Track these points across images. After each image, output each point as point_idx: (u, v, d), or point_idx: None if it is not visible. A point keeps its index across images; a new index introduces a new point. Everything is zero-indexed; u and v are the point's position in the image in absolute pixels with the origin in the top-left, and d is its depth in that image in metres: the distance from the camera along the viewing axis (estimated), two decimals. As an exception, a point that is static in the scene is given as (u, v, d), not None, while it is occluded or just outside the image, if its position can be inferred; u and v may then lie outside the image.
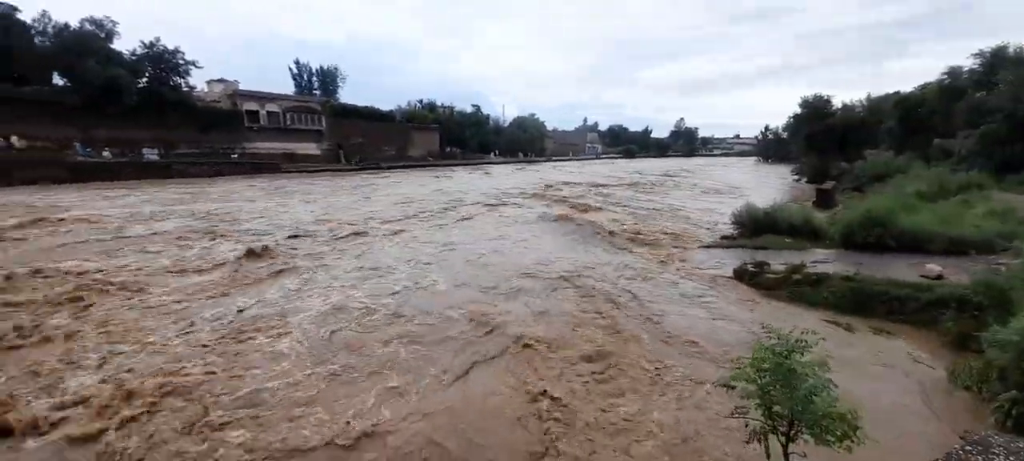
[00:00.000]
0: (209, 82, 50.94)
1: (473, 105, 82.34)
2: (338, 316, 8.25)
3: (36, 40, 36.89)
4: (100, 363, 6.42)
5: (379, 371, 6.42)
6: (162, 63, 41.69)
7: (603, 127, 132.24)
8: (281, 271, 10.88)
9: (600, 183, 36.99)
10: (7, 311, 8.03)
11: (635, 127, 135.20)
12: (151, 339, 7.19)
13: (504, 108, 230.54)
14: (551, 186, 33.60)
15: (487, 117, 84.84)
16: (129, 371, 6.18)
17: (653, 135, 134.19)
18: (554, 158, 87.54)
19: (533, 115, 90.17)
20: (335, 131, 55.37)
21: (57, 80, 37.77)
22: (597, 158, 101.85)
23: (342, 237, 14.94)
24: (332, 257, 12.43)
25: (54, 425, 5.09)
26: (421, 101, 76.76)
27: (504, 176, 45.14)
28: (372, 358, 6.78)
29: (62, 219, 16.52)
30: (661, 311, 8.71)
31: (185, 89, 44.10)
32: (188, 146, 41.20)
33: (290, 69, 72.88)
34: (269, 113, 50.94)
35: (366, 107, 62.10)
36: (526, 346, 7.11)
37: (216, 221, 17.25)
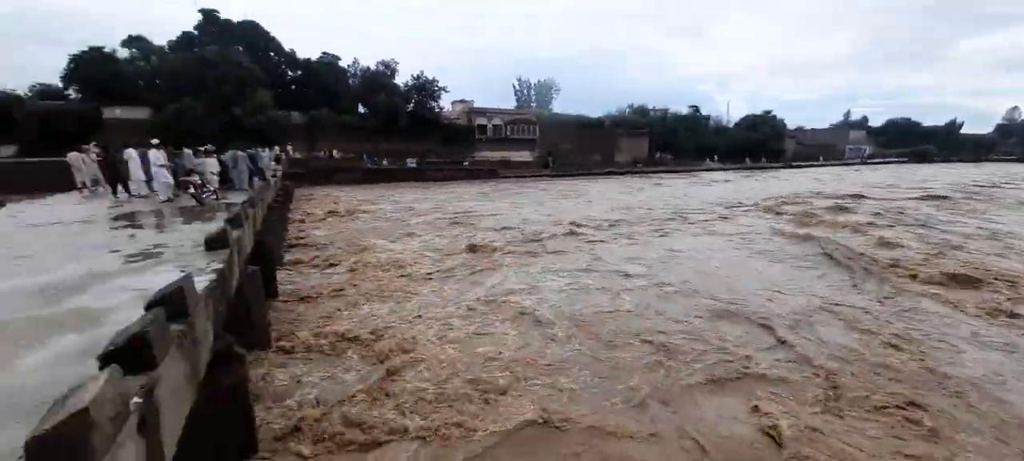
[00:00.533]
0: (453, 103, 62.56)
1: (690, 106, 75.02)
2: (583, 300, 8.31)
3: (350, 80, 52.99)
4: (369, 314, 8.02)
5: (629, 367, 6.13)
6: (423, 91, 53.60)
7: (878, 121, 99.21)
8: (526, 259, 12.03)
9: (859, 195, 27.22)
10: (314, 271, 10.94)
11: (933, 120, 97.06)
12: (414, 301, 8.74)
13: (729, 106, 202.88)
14: (783, 200, 26.63)
15: (707, 118, 75.86)
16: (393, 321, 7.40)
17: (965, 130, 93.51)
18: (797, 163, 71.02)
19: (769, 112, 75.19)
20: (546, 139, 59.66)
21: (360, 109, 53.02)
22: (862, 162, 77.48)
23: (567, 235, 15.42)
24: (572, 250, 13.11)
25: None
26: (631, 106, 74.81)
27: (705, 187, 38.73)
28: (623, 357, 6.51)
29: (351, 210, 22.53)
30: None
31: (437, 110, 55.78)
32: (435, 156, 51.58)
33: (513, 85, 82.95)
34: (494, 126, 59.02)
35: (575, 116, 64.67)
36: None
37: (460, 216, 20.25)
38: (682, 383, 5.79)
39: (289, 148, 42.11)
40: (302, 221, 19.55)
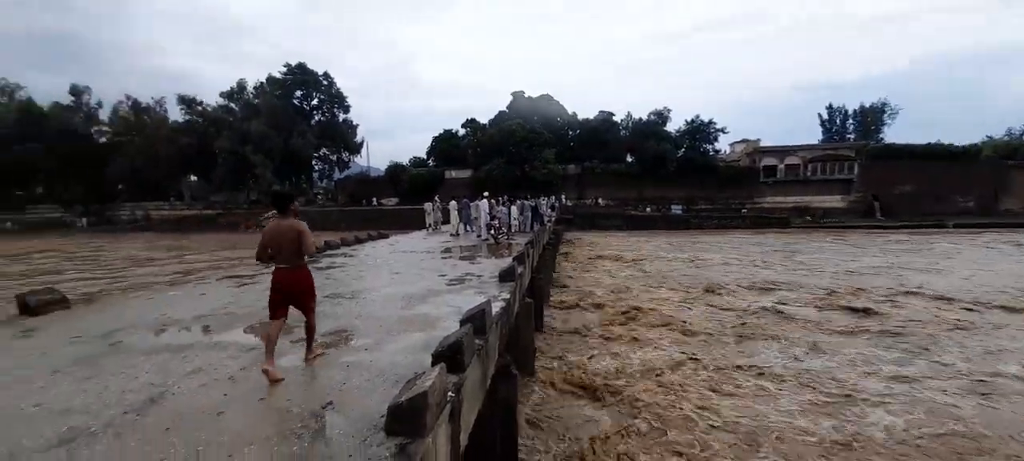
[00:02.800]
0: (732, 144, 57.41)
1: None
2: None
3: (622, 133, 56.64)
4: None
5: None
6: (698, 134, 51.77)
7: None
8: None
9: None
10: (573, 310, 12.13)
11: None
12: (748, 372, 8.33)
13: None
14: None
15: None
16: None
17: None
18: None
19: None
20: (870, 178, 46.13)
21: (629, 158, 55.63)
22: None
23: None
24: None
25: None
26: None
27: None
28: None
29: (609, 256, 23.60)
30: None
31: (711, 153, 52.65)
32: (705, 202, 48.20)
33: (820, 115, 68.69)
34: (788, 166, 50.30)
35: (923, 146, 47.40)
36: None
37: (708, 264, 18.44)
38: None
39: (562, 197, 48.61)
40: (567, 262, 21.88)
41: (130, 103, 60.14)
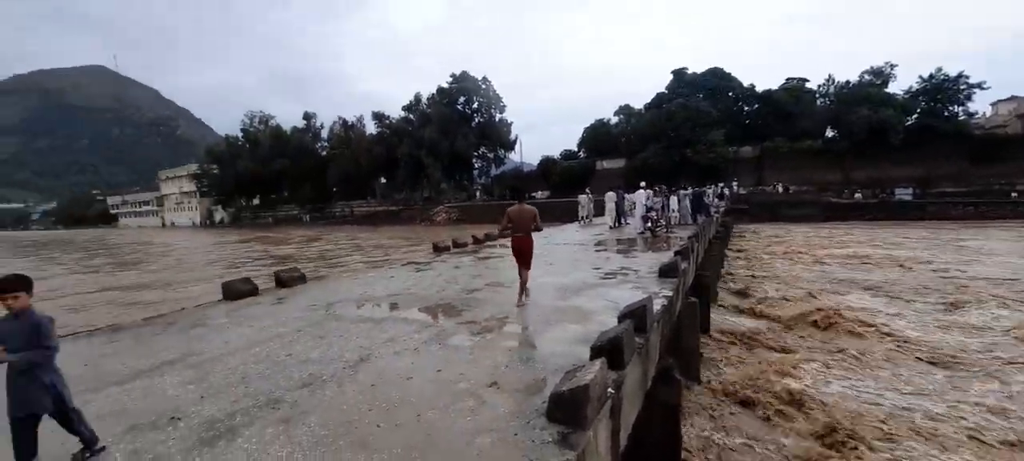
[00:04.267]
0: (994, 104, 42.79)
1: None
2: None
3: (817, 102, 47.13)
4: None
5: None
6: (938, 94, 40.04)
7: None
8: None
9: None
10: (745, 316, 10.79)
11: None
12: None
13: None
14: None
15: None
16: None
17: None
18: None
19: None
20: None
21: (829, 132, 46.10)
22: None
23: None
24: None
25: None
26: None
27: None
28: None
29: (797, 251, 20.02)
30: None
31: (962, 117, 40.08)
32: (950, 182, 36.93)
33: None
34: (1099, 127, 35.15)
35: None
36: None
37: None
38: None
39: (734, 183, 43.27)
40: (738, 259, 19.42)
41: (341, 123, 77.23)
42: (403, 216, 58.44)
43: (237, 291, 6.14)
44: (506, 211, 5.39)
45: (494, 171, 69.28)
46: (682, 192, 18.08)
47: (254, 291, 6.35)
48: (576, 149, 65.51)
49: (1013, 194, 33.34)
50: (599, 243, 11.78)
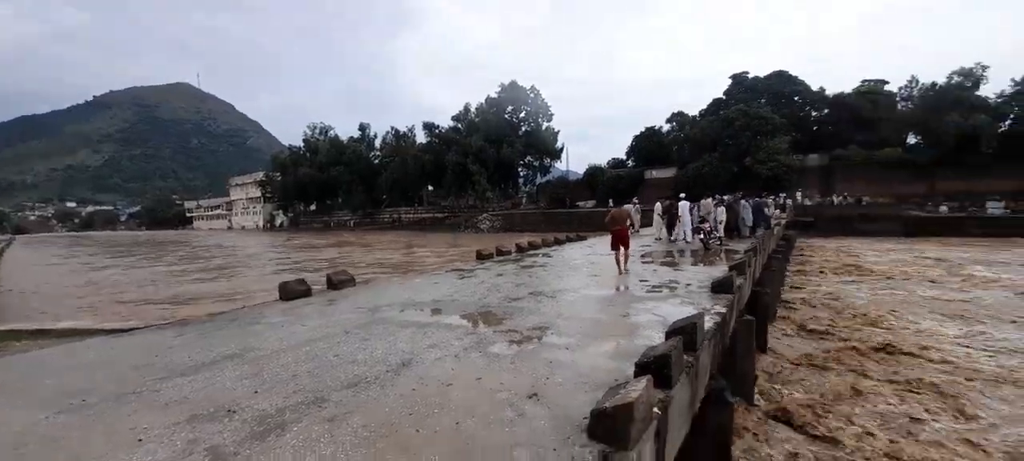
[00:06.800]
0: (1116, 104, 37.49)
1: None
2: None
3: (899, 106, 43.22)
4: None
5: None
6: None
7: None
8: None
9: None
10: (809, 337, 10.02)
11: None
12: None
13: None
14: None
15: None
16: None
17: None
18: None
19: None
20: None
21: (911, 140, 42.16)
22: None
23: None
24: None
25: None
26: None
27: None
28: None
29: (871, 270, 18.36)
30: None
31: None
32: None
33: None
34: None
35: None
36: None
37: None
38: None
39: (798, 194, 40.59)
40: (802, 274, 18.12)
41: (393, 133, 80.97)
42: (448, 222, 59.73)
43: (292, 291, 6.49)
44: (609, 211, 8.81)
45: (539, 179, 69.40)
46: (743, 203, 17.10)
47: (307, 292, 6.68)
48: (625, 158, 64.18)
49: None
50: (646, 254, 11.42)
